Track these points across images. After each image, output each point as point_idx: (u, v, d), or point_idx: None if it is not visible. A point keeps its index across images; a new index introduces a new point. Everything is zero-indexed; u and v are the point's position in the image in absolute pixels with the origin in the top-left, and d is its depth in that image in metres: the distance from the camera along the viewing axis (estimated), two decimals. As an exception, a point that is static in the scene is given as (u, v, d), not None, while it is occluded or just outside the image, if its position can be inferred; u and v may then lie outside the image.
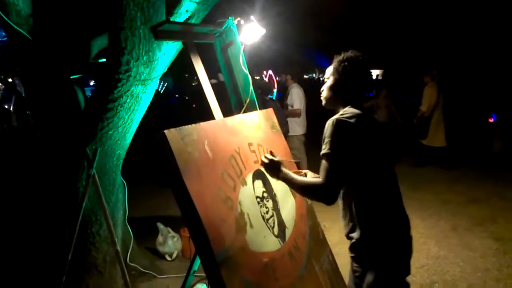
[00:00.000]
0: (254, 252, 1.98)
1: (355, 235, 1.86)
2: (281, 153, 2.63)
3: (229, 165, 2.05)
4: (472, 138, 9.63)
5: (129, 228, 3.38)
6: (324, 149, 1.75)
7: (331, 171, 1.71)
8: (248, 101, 2.60)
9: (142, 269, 3.42)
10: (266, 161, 2.12)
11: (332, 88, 1.98)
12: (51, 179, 2.94)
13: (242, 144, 2.24)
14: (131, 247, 3.35)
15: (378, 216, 1.82)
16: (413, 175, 6.89)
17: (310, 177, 2.18)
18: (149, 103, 2.89)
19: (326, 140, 1.77)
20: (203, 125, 1.99)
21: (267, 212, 2.24)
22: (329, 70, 2.02)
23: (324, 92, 2.02)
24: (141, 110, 2.82)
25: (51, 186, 2.93)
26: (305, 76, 30.90)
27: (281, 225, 2.33)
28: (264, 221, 2.18)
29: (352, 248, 1.91)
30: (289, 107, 5.99)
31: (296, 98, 5.93)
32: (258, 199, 2.21)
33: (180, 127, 1.82)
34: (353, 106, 1.89)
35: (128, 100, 2.64)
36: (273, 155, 2.15)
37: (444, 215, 5.22)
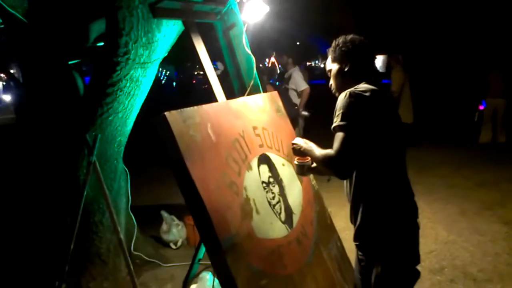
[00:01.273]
0: (261, 239, 1.91)
1: (359, 220, 1.78)
2: (287, 137, 2.54)
3: (233, 149, 1.97)
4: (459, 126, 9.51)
5: (133, 217, 3.32)
6: (336, 121, 1.66)
7: (344, 142, 1.61)
8: (251, 84, 2.50)
9: (146, 258, 3.37)
10: (294, 146, 2.04)
11: (337, 75, 1.89)
12: (51, 168, 2.87)
13: (246, 128, 2.16)
14: (135, 235, 3.29)
15: (383, 200, 1.73)
16: (417, 159, 6.77)
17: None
18: (149, 87, 2.80)
19: (338, 112, 1.67)
20: (206, 107, 1.91)
21: (273, 198, 2.16)
22: (328, 62, 1.94)
23: (333, 83, 1.93)
24: (142, 95, 2.74)
25: (51, 175, 2.86)
26: (308, 63, 30.64)
27: (288, 211, 2.26)
28: (270, 207, 2.10)
29: (356, 235, 1.83)
30: (291, 91, 5.90)
31: (300, 79, 5.84)
32: (264, 184, 2.13)
33: (182, 109, 1.73)
34: (367, 82, 1.80)
35: (128, 84, 2.55)
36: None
37: (451, 199, 5.13)
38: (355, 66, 1.84)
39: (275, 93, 2.72)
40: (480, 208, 4.81)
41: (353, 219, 1.84)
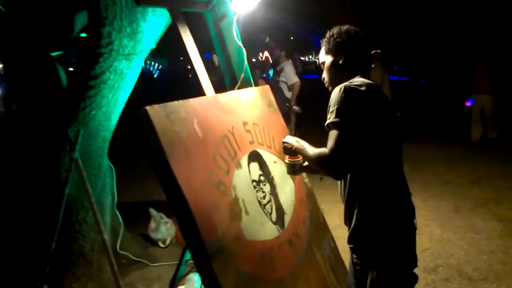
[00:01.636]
0: (250, 241, 1.80)
1: (353, 221, 1.68)
2: (279, 134, 2.43)
3: (221, 146, 1.86)
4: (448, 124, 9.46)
5: (119, 215, 3.20)
6: (330, 118, 1.55)
7: (339, 140, 1.51)
8: (242, 77, 2.38)
9: (133, 257, 3.25)
10: (285, 145, 1.95)
11: (331, 68, 1.78)
12: (34, 164, 2.74)
13: (236, 123, 2.04)
14: (121, 234, 3.17)
15: (380, 201, 1.63)
16: (412, 155, 6.70)
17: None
18: (135, 80, 2.67)
19: (332, 108, 1.56)
20: (192, 101, 1.79)
21: (264, 197, 2.05)
22: (322, 53, 1.83)
23: (326, 76, 1.82)
24: (127, 88, 2.61)
25: (34, 172, 2.73)
26: (302, 58, 30.51)
27: (280, 210, 2.15)
28: (261, 207, 1.99)
29: (350, 237, 1.72)
30: (282, 83, 5.82)
31: (291, 72, 5.77)
32: (254, 183, 2.02)
33: (165, 103, 1.61)
34: (362, 76, 1.69)
35: (112, 77, 2.42)
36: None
37: (446, 196, 5.08)
38: (350, 59, 1.73)
39: (267, 87, 2.60)
40: (475, 205, 4.75)
41: (347, 220, 1.74)
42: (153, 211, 3.81)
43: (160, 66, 23.27)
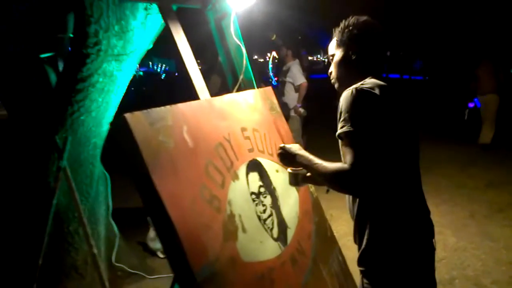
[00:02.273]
0: (248, 263, 1.61)
1: (364, 241, 1.47)
2: (282, 140, 2.23)
3: (215, 156, 1.66)
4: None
5: (114, 225, 3.02)
6: (343, 127, 1.34)
7: (358, 152, 1.30)
8: (241, 77, 2.19)
9: (129, 270, 3.08)
10: (281, 151, 1.74)
11: (341, 63, 1.57)
12: (21, 173, 2.57)
13: (233, 130, 1.85)
14: (116, 245, 3.00)
15: (395, 218, 1.43)
16: (422, 157, 6.45)
17: None
18: (127, 83, 2.50)
19: (344, 115, 1.35)
20: (182, 107, 1.60)
21: (264, 211, 1.86)
22: (332, 45, 1.62)
23: (333, 71, 1.61)
24: (118, 92, 2.43)
25: (21, 181, 2.56)
26: (310, 58, 30.21)
27: (282, 225, 1.96)
28: (260, 222, 1.80)
29: (361, 259, 1.52)
30: (288, 84, 5.60)
31: (298, 73, 5.53)
32: (253, 196, 1.83)
33: (149, 110, 1.42)
34: (374, 77, 1.49)
35: (101, 80, 2.25)
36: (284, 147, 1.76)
37: (459, 200, 4.84)
38: (364, 55, 1.52)
39: (269, 89, 2.41)
40: (491, 210, 4.51)
41: (357, 239, 1.53)
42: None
43: (167, 67, 23.18)
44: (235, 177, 1.75)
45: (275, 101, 2.38)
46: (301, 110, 5.58)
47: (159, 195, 1.32)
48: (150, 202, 1.34)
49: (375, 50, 1.53)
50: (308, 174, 1.73)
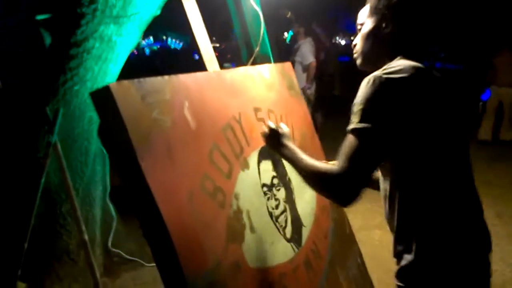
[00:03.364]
0: (255, 270, 1.35)
1: (408, 256, 1.18)
2: (301, 123, 1.95)
3: (223, 139, 1.39)
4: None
5: (111, 206, 2.79)
6: (353, 122, 1.08)
7: (357, 156, 1.05)
8: (257, 49, 1.89)
9: (126, 256, 2.86)
10: (267, 130, 1.48)
11: (370, 35, 1.25)
12: (9, 149, 2.33)
13: (245, 109, 1.56)
14: (113, 229, 2.77)
15: (445, 230, 1.14)
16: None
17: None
18: (128, 51, 2.21)
19: (357, 108, 1.08)
20: (184, 78, 1.31)
21: (277, 207, 1.59)
22: (364, 11, 1.30)
23: (359, 43, 1.30)
24: (118, 61, 2.15)
25: (8, 157, 2.32)
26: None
27: (296, 223, 1.69)
28: (272, 220, 1.53)
29: (401, 274, 1.23)
30: (298, 64, 5.25)
31: (308, 52, 5.16)
32: (265, 188, 1.55)
33: (142, 79, 1.14)
34: (405, 57, 1.19)
35: (97, 45, 1.97)
36: (279, 126, 1.49)
37: (485, 199, 4.48)
38: (402, 30, 1.21)
39: (288, 64, 2.11)
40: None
41: (396, 253, 1.24)
42: (154, 202, 3.39)
43: (183, 43, 22.79)
44: (245, 165, 1.47)
45: (294, 79, 2.08)
46: (308, 91, 5.24)
47: (148, 186, 1.05)
48: (136, 195, 1.07)
49: (417, 26, 1.21)
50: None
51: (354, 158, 1.04)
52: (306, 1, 5.51)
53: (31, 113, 2.13)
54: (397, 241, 1.18)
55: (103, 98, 1.05)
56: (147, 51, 18.32)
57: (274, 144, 1.43)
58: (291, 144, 1.37)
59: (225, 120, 1.44)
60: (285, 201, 1.65)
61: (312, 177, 1.18)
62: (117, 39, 2.03)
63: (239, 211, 1.35)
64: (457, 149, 1.18)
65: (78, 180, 2.39)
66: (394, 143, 1.08)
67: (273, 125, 1.48)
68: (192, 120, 1.27)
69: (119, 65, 2.20)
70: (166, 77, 1.24)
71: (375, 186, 1.36)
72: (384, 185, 1.23)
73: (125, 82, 1.10)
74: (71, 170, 2.27)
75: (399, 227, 1.17)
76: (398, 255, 1.18)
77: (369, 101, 1.06)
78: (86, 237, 2.12)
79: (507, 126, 6.34)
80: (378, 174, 1.27)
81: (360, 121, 1.06)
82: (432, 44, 1.27)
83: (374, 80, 1.07)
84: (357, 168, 1.04)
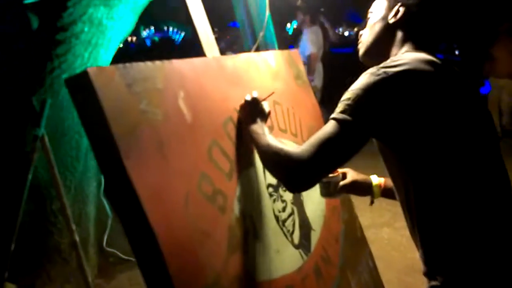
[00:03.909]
0: (260, 283, 1.19)
1: (439, 277, 1.00)
2: (309, 117, 1.78)
3: (223, 135, 1.22)
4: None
5: (106, 203, 2.64)
6: (337, 110, 0.96)
7: (329, 147, 0.94)
8: (262, 33, 1.72)
9: (122, 256, 2.71)
10: (248, 98, 1.30)
11: (379, 21, 1.10)
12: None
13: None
14: (108, 227, 2.62)
15: (475, 242, 0.96)
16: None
17: (350, 176, 1.35)
18: (121, 37, 2.04)
19: (345, 96, 0.95)
20: (179, 64, 1.14)
21: (283, 209, 1.42)
22: (379, 1, 1.14)
23: (365, 32, 1.15)
24: (109, 47, 1.98)
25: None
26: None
27: (305, 227, 1.52)
28: (278, 224, 1.37)
29: None
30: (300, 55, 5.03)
31: (308, 41, 4.90)
32: (271, 189, 1.39)
33: (128, 64, 0.98)
34: (417, 48, 1.03)
35: (86, 29, 1.80)
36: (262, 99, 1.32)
37: None
38: (418, 16, 1.05)
39: (295, 52, 1.93)
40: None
41: (426, 271, 1.06)
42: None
43: (185, 33, 22.50)
44: (249, 163, 1.30)
45: (302, 67, 1.91)
46: (313, 83, 5.01)
47: (133, 189, 0.88)
48: (120, 199, 0.91)
49: (438, 11, 1.04)
50: (344, 182, 1.31)
51: (323, 146, 0.94)
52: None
53: (16, 104, 1.96)
54: (424, 261, 1.00)
55: (80, 86, 0.88)
56: (148, 42, 18.05)
57: (246, 115, 1.28)
58: (262, 122, 1.24)
59: (226, 113, 1.27)
60: (292, 203, 1.49)
61: (271, 154, 1.07)
62: (108, 23, 1.86)
63: (241, 216, 1.19)
64: (482, 150, 1.00)
65: (69, 176, 2.24)
66: (402, 149, 0.96)
67: (256, 95, 1.31)
68: (188, 112, 1.11)
69: (111, 51, 2.04)
70: (158, 62, 1.07)
71: (390, 194, 1.21)
72: (399, 196, 1.06)
73: (108, 67, 0.93)
74: (61, 165, 2.12)
75: (423, 246, 0.99)
76: (427, 275, 1.01)
77: (358, 93, 0.93)
78: (77, 237, 1.97)
79: (508, 120, 6.08)
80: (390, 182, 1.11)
81: (342, 112, 0.94)
82: (448, 33, 1.10)
83: (371, 72, 0.94)
84: (322, 157, 0.94)
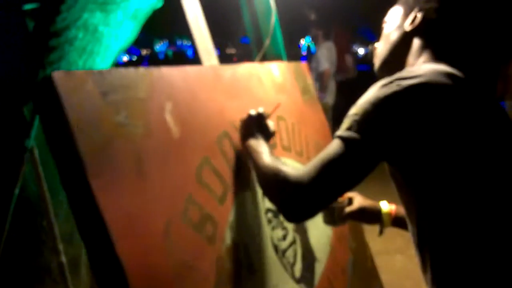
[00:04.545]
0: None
1: None
2: (317, 134, 1.63)
3: (216, 152, 1.08)
4: None
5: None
6: (343, 127, 0.82)
7: (334, 169, 0.80)
8: (267, 42, 1.60)
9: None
10: (253, 113, 1.17)
11: (396, 30, 0.98)
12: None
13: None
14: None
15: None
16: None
17: (357, 202, 1.21)
18: (120, 45, 1.93)
19: (352, 111, 0.82)
20: (168, 72, 1.01)
21: (284, 237, 1.27)
22: (393, 9, 1.01)
23: (380, 45, 1.02)
24: (106, 55, 1.86)
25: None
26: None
27: (308, 257, 1.36)
28: (277, 255, 1.21)
29: None
30: (312, 71, 4.89)
31: (322, 57, 4.77)
32: (270, 214, 1.24)
33: (104, 70, 0.85)
34: (437, 58, 0.89)
35: (81, 36, 1.69)
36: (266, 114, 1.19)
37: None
38: (440, 28, 0.91)
39: (303, 64, 1.80)
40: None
41: None
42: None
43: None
44: (245, 185, 1.16)
45: (310, 81, 1.78)
46: (325, 100, 4.84)
47: (100, 215, 0.74)
48: (85, 227, 0.77)
49: (459, 22, 0.90)
50: (349, 208, 1.16)
51: (326, 168, 0.80)
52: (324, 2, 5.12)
53: (6, 113, 1.86)
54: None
55: (44, 93, 0.75)
56: (161, 55, 18.21)
57: (246, 131, 1.14)
58: (263, 140, 1.10)
59: (221, 127, 1.13)
60: (295, 230, 1.33)
61: (268, 176, 0.94)
62: (104, 30, 1.75)
63: (234, 246, 1.04)
64: (508, 180, 0.85)
65: (60, 191, 2.11)
66: (415, 176, 0.82)
67: (261, 110, 1.17)
68: (175, 126, 0.97)
69: (109, 60, 1.92)
70: (142, 69, 0.94)
71: (402, 224, 1.06)
72: (411, 228, 0.91)
73: (79, 72, 0.81)
74: (51, 179, 1.99)
75: (436, 285, 0.84)
76: None
77: (366, 107, 0.80)
78: (63, 258, 1.83)
79: None
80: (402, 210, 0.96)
81: (348, 128, 0.80)
82: (472, 43, 0.95)
83: (382, 84, 0.81)
84: (325, 181, 0.80)
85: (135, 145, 0.85)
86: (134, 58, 16.56)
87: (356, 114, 0.80)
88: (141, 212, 0.82)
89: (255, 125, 1.14)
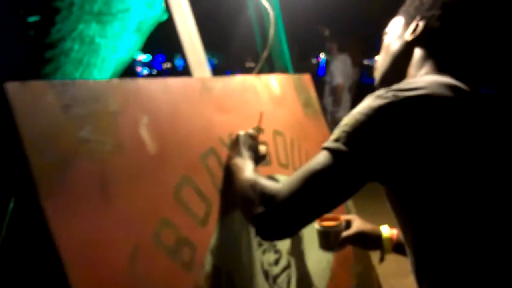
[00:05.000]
0: None
1: None
2: (319, 151, 1.54)
3: (200, 170, 1.00)
4: None
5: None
6: (331, 138, 0.75)
7: (318, 183, 0.72)
8: (265, 53, 1.52)
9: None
10: (242, 133, 1.11)
11: (397, 41, 0.91)
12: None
13: (239, 129, 1.18)
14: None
15: None
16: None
17: (356, 226, 1.12)
18: (123, 58, 1.89)
19: (343, 122, 0.75)
20: (145, 84, 0.95)
21: (276, 262, 1.17)
22: (393, 20, 0.93)
23: (380, 57, 0.96)
24: (103, 68, 1.82)
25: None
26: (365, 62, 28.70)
27: (304, 283, 1.26)
28: (267, 281, 1.12)
29: None
30: (327, 84, 4.81)
31: (336, 70, 4.69)
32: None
33: (68, 80, 0.79)
34: (440, 70, 0.82)
35: (77, 47, 1.65)
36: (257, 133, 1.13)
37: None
38: (442, 37, 0.83)
39: (306, 77, 1.72)
40: None
41: None
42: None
43: (213, 60, 22.89)
44: (232, 206, 1.07)
45: (313, 94, 1.69)
46: (338, 114, 4.73)
47: (53, 242, 0.67)
48: (36, 254, 0.70)
49: (462, 30, 0.82)
50: (347, 232, 1.07)
51: (308, 182, 0.72)
52: (337, 15, 5.06)
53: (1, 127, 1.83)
54: None
55: (-4, 106, 0.69)
56: (180, 68, 18.48)
57: (233, 149, 1.07)
58: (249, 159, 1.02)
59: (208, 144, 1.05)
60: (289, 253, 1.23)
61: (244, 189, 0.86)
62: (101, 41, 1.70)
63: (214, 273, 0.95)
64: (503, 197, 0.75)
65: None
66: (408, 197, 0.75)
67: (251, 131, 1.11)
68: (152, 141, 0.90)
69: (106, 73, 1.88)
70: (115, 80, 0.89)
71: (404, 250, 0.97)
72: (408, 251, 0.82)
73: (37, 83, 0.75)
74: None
75: None
76: None
77: (357, 118, 0.72)
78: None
79: None
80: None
81: (336, 140, 0.72)
82: (477, 54, 0.85)
83: (377, 95, 0.73)
84: (306, 196, 0.73)
85: (100, 163, 0.78)
86: (154, 72, 16.81)
87: (346, 125, 0.73)
88: (102, 238, 0.74)
89: (244, 146, 1.06)
